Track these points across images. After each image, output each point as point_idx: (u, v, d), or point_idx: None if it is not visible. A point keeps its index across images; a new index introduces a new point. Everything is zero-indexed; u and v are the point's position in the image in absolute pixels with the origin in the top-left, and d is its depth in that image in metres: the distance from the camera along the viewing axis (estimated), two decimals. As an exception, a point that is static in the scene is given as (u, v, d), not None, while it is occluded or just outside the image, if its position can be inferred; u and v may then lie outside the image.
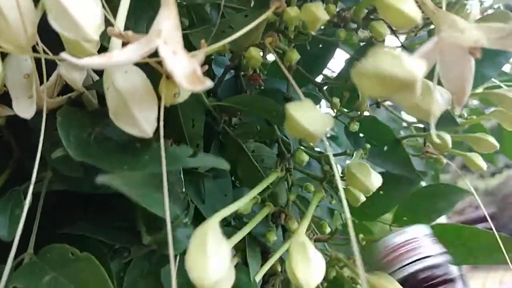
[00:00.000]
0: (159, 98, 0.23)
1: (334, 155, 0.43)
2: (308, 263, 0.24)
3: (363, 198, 0.33)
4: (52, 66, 0.27)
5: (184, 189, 0.28)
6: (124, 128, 0.22)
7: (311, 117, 0.19)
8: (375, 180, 0.31)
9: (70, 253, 0.22)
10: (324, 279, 0.36)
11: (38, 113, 0.26)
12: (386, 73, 0.17)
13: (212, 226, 0.23)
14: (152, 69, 0.24)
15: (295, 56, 0.26)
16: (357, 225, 0.47)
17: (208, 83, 0.19)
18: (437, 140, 0.21)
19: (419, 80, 0.17)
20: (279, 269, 0.39)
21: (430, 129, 0.42)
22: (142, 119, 0.22)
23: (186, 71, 0.20)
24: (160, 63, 0.22)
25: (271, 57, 0.52)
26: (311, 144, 0.41)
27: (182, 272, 0.30)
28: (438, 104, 0.21)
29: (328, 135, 0.65)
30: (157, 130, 0.23)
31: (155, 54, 0.21)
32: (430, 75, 0.23)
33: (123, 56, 0.20)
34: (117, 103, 0.23)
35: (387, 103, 0.59)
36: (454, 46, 0.21)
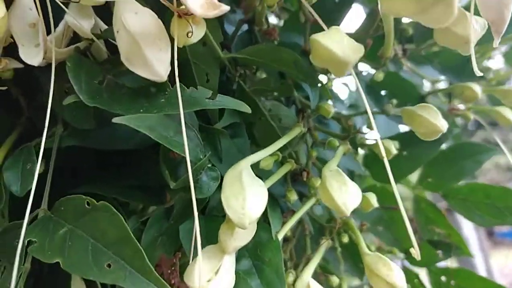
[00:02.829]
0: (171, 40, 0.22)
1: (354, 114, 0.41)
2: (345, 187, 0.23)
3: (394, 151, 0.31)
4: (58, 18, 0.26)
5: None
6: (137, 71, 0.21)
7: (341, 42, 0.17)
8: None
9: (86, 203, 0.20)
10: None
11: (46, 67, 0.25)
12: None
13: (244, 166, 0.22)
14: (163, 8, 0.22)
15: (316, -8, 0.24)
16: (379, 188, 0.45)
17: (225, 7, 0.18)
18: (477, 72, 0.19)
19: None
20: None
21: (455, 81, 0.40)
22: (156, 61, 0.21)
23: (200, 0, 0.18)
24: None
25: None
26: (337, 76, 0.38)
27: (200, 230, 0.29)
28: (474, 29, 0.19)
29: (348, 104, 0.63)
30: (172, 73, 0.21)
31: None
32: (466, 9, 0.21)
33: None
34: (129, 46, 0.21)
35: (409, 64, 0.57)
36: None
